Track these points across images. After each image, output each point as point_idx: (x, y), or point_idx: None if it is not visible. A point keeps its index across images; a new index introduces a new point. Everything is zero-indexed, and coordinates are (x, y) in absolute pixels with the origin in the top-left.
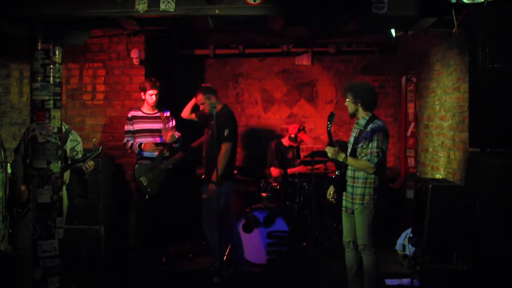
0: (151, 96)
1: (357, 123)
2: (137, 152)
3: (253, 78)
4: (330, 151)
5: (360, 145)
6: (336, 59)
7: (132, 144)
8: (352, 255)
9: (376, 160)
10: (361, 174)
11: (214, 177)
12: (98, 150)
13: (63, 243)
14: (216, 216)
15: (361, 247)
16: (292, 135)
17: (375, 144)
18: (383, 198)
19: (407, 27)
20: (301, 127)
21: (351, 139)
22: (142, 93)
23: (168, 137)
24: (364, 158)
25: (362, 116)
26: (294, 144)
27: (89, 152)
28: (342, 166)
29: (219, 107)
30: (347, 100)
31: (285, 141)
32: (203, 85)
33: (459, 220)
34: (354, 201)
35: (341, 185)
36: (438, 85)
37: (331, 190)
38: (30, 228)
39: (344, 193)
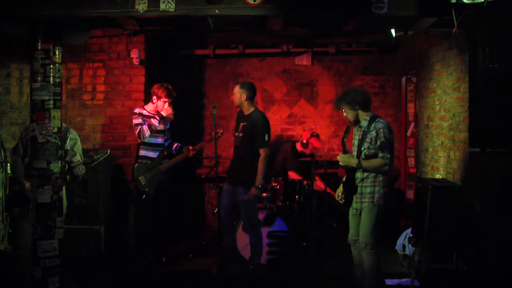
0: (164, 103)
1: (359, 126)
2: (157, 125)
3: (253, 78)
4: (341, 158)
5: (366, 146)
6: (336, 59)
7: (148, 125)
8: (359, 252)
9: (388, 155)
10: (370, 174)
11: (258, 182)
12: (107, 153)
13: (63, 243)
14: (258, 216)
15: (362, 245)
16: (304, 141)
17: (383, 140)
18: (390, 195)
19: (407, 27)
20: (314, 133)
21: (355, 142)
22: (154, 97)
23: (167, 112)
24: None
25: (364, 117)
26: (306, 151)
27: (97, 154)
28: (351, 169)
29: (251, 109)
30: (344, 111)
31: (298, 147)
32: (246, 81)
33: (459, 220)
34: (363, 200)
35: (351, 187)
36: (438, 85)
37: (339, 191)
38: (30, 228)
39: (354, 195)
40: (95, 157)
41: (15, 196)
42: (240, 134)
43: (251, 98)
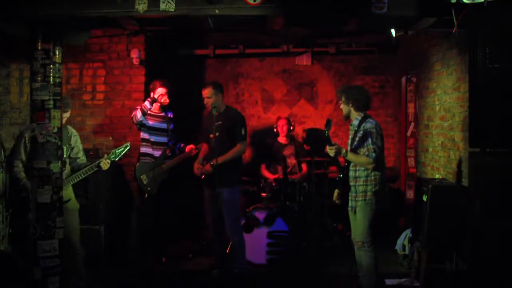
0: (160, 94)
1: (351, 125)
2: (149, 106)
3: (253, 78)
4: (331, 150)
5: (356, 145)
6: (336, 59)
7: (140, 108)
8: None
9: (374, 155)
10: (362, 173)
11: (216, 161)
12: (127, 146)
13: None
14: (240, 217)
15: (359, 244)
16: (274, 127)
17: (369, 141)
18: (385, 195)
19: (407, 27)
20: (281, 118)
21: (349, 141)
22: (151, 93)
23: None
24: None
25: (355, 117)
26: (281, 140)
27: (119, 149)
28: (345, 168)
29: (223, 107)
30: (340, 102)
31: (281, 139)
32: (214, 81)
33: (459, 220)
34: (356, 198)
35: (344, 186)
36: (438, 85)
37: (336, 192)
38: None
39: (349, 193)
40: (117, 151)
41: (26, 202)
42: (217, 134)
43: (223, 96)
